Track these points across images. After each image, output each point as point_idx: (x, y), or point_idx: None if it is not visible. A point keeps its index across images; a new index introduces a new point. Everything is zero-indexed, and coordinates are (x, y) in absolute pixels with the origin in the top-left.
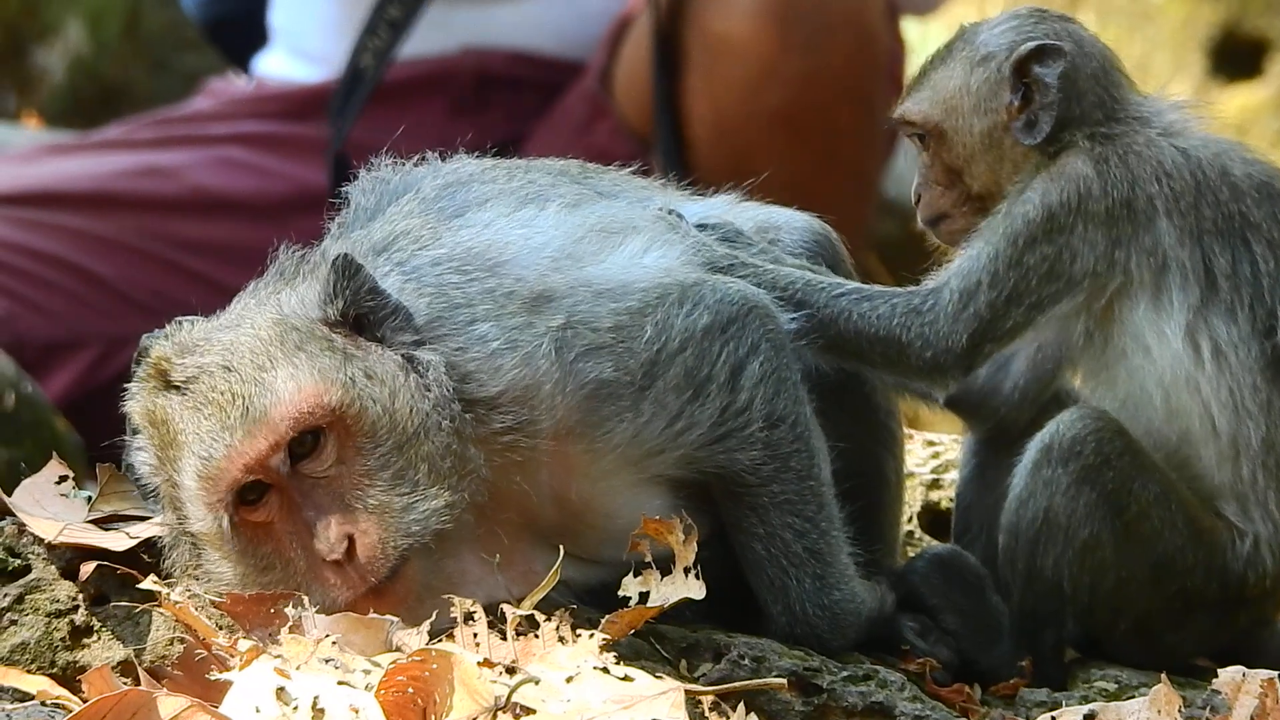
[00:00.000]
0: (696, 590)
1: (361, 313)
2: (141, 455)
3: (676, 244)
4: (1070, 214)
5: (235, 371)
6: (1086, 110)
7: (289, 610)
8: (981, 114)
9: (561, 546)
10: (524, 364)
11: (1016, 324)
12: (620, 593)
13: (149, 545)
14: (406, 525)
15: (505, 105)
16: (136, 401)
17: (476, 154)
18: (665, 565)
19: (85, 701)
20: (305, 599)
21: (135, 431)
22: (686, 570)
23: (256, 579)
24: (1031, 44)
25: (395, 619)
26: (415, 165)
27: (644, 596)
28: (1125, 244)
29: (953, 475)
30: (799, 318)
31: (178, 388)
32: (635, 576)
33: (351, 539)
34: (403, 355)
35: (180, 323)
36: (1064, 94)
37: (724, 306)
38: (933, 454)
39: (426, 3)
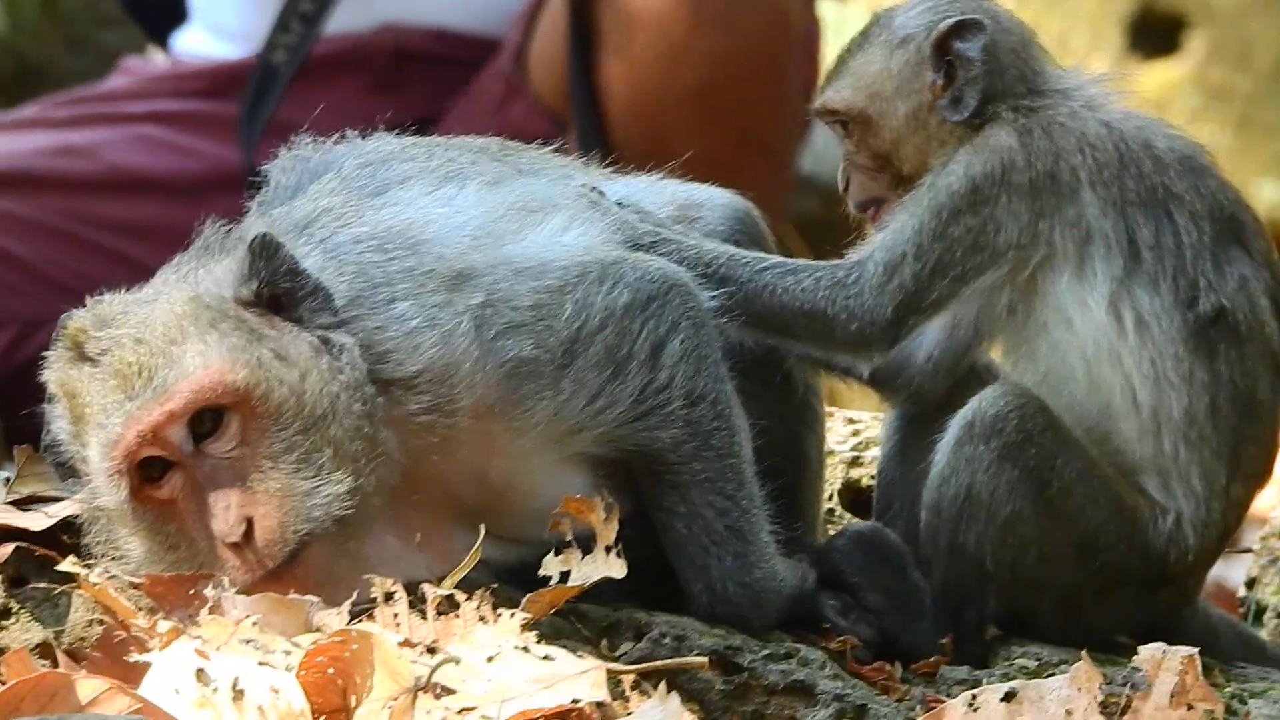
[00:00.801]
0: (618, 569)
1: (278, 293)
2: (59, 425)
3: (597, 222)
4: (994, 185)
5: (146, 344)
6: (1009, 84)
7: (209, 591)
8: (905, 96)
9: (482, 526)
10: (443, 342)
11: (941, 296)
12: (541, 572)
13: (68, 526)
14: (308, 510)
15: (424, 83)
16: (52, 372)
17: (395, 132)
18: (586, 544)
19: (3, 684)
20: (225, 580)
21: (52, 401)
22: (608, 549)
23: (163, 556)
24: (950, 20)
25: (316, 599)
26: (335, 143)
27: (565, 576)
28: (1049, 216)
29: (874, 453)
30: (721, 294)
31: (91, 359)
32: (556, 555)
33: (251, 521)
34: (318, 336)
35: (101, 296)
36: (987, 68)
37: (644, 284)
38: (853, 431)
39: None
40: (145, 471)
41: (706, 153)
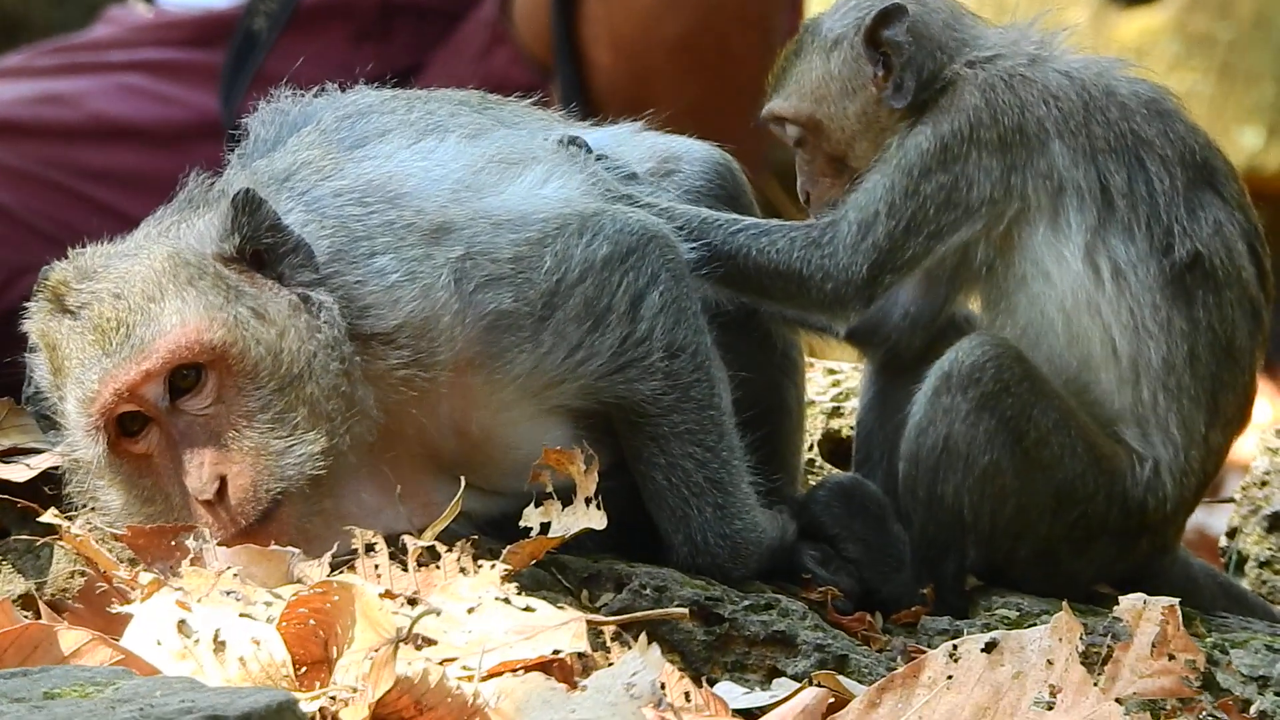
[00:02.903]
0: (598, 520)
1: (260, 249)
2: (40, 375)
3: (576, 174)
4: (963, 143)
5: (124, 299)
6: (950, 55)
7: (190, 543)
8: (852, 94)
9: (462, 478)
10: (422, 296)
11: (915, 254)
12: (522, 523)
13: (49, 478)
14: (282, 469)
15: (408, 33)
16: (34, 323)
17: (377, 83)
18: (567, 496)
19: None
20: (205, 532)
21: (34, 352)
22: (588, 500)
23: (140, 509)
24: (874, 11)
25: (296, 551)
26: (315, 96)
27: (545, 527)
28: (1020, 169)
29: (854, 403)
30: (698, 249)
31: (71, 312)
32: (536, 507)
33: (224, 479)
34: (298, 294)
35: (84, 248)
36: (919, 47)
37: (623, 236)
38: (833, 382)
39: None
40: (123, 426)
41: (689, 102)
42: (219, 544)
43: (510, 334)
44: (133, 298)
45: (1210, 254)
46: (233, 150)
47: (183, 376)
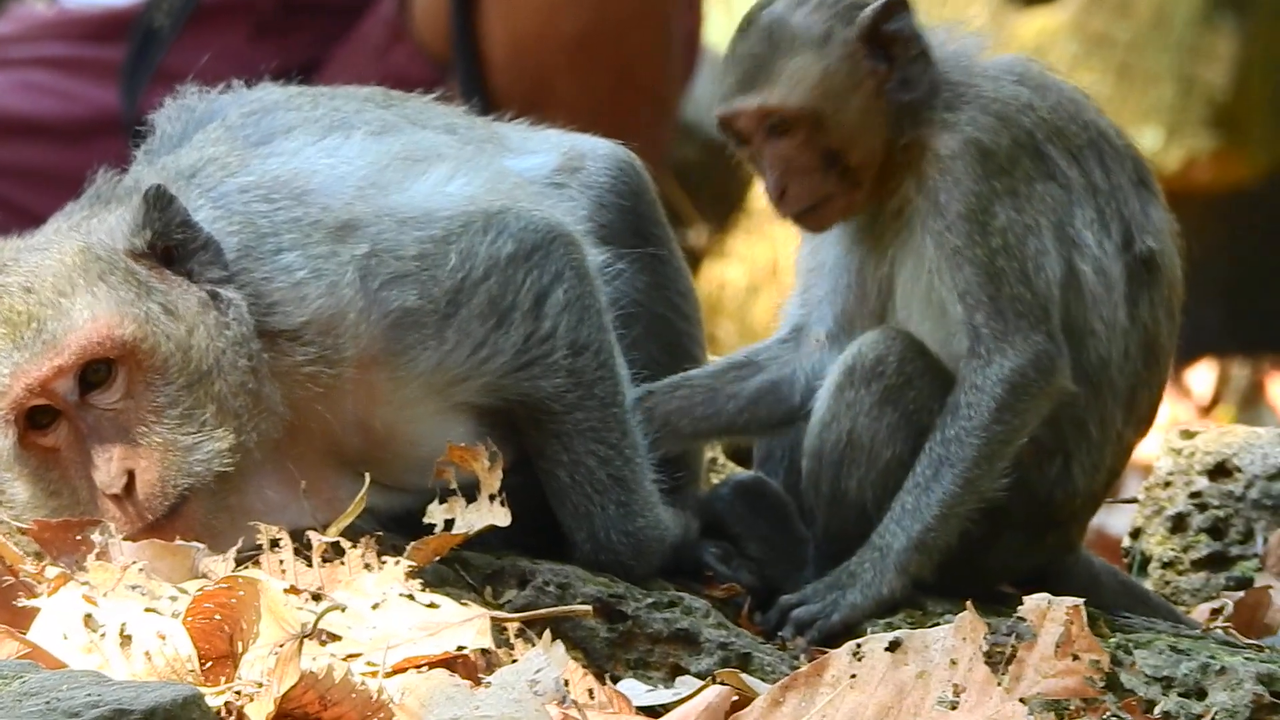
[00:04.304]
0: (502, 517)
1: (170, 245)
2: None
3: (481, 170)
4: (992, 178)
5: (35, 293)
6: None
7: (96, 537)
8: (855, 88)
9: (367, 475)
10: (328, 293)
11: (1046, 270)
12: (426, 519)
13: None
14: (189, 465)
15: (308, 29)
16: None
17: (281, 80)
18: (471, 493)
19: None
20: (112, 526)
21: None
22: (491, 497)
23: (45, 503)
24: (876, 7)
25: (202, 546)
26: (220, 92)
27: (449, 524)
28: (1043, 179)
29: None
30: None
31: None
32: (441, 504)
33: (132, 474)
34: (207, 291)
35: None
36: (923, 42)
37: (528, 234)
38: None
39: None
40: (32, 420)
41: (588, 100)
42: (125, 539)
43: (415, 331)
44: (44, 292)
45: (1159, 251)
46: (137, 146)
47: (93, 371)
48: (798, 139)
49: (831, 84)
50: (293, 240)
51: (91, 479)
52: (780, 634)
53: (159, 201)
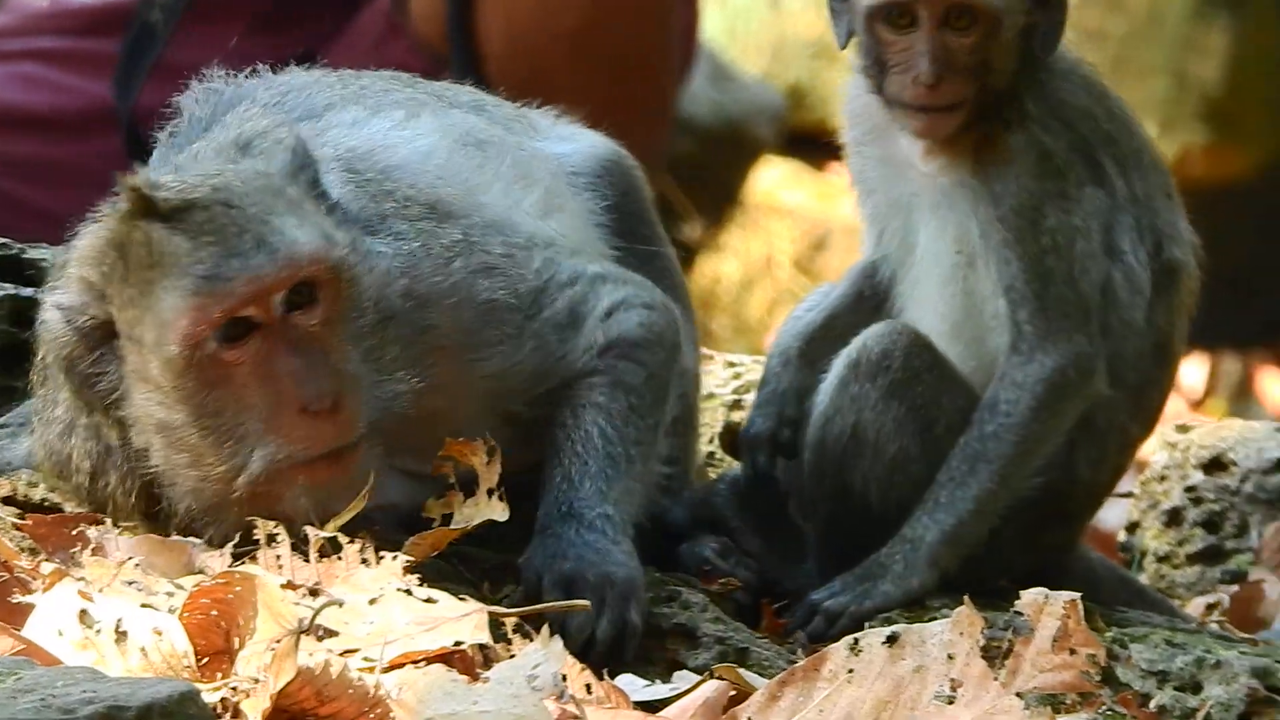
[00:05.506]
0: (500, 512)
1: (320, 194)
2: (71, 294)
3: (537, 184)
4: (1047, 178)
5: (240, 209)
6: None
7: (91, 533)
8: (1017, 13)
9: (372, 474)
10: (438, 268)
11: (1090, 273)
12: (424, 514)
13: None
14: (378, 399)
15: (303, 23)
16: (100, 228)
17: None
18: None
19: None
20: (109, 521)
21: (67, 270)
22: (490, 491)
23: (194, 423)
24: None
25: (198, 541)
26: (246, 77)
27: (447, 518)
28: (1093, 184)
29: (754, 396)
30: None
31: (166, 216)
32: (439, 499)
33: (335, 395)
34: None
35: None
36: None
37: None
38: (734, 374)
39: None
40: (228, 331)
41: (586, 94)
42: (304, 460)
43: (497, 328)
44: (248, 208)
45: (1183, 262)
46: (135, 140)
47: (298, 291)
48: (972, 36)
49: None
50: (394, 209)
51: (280, 396)
52: (808, 629)
53: (306, 152)
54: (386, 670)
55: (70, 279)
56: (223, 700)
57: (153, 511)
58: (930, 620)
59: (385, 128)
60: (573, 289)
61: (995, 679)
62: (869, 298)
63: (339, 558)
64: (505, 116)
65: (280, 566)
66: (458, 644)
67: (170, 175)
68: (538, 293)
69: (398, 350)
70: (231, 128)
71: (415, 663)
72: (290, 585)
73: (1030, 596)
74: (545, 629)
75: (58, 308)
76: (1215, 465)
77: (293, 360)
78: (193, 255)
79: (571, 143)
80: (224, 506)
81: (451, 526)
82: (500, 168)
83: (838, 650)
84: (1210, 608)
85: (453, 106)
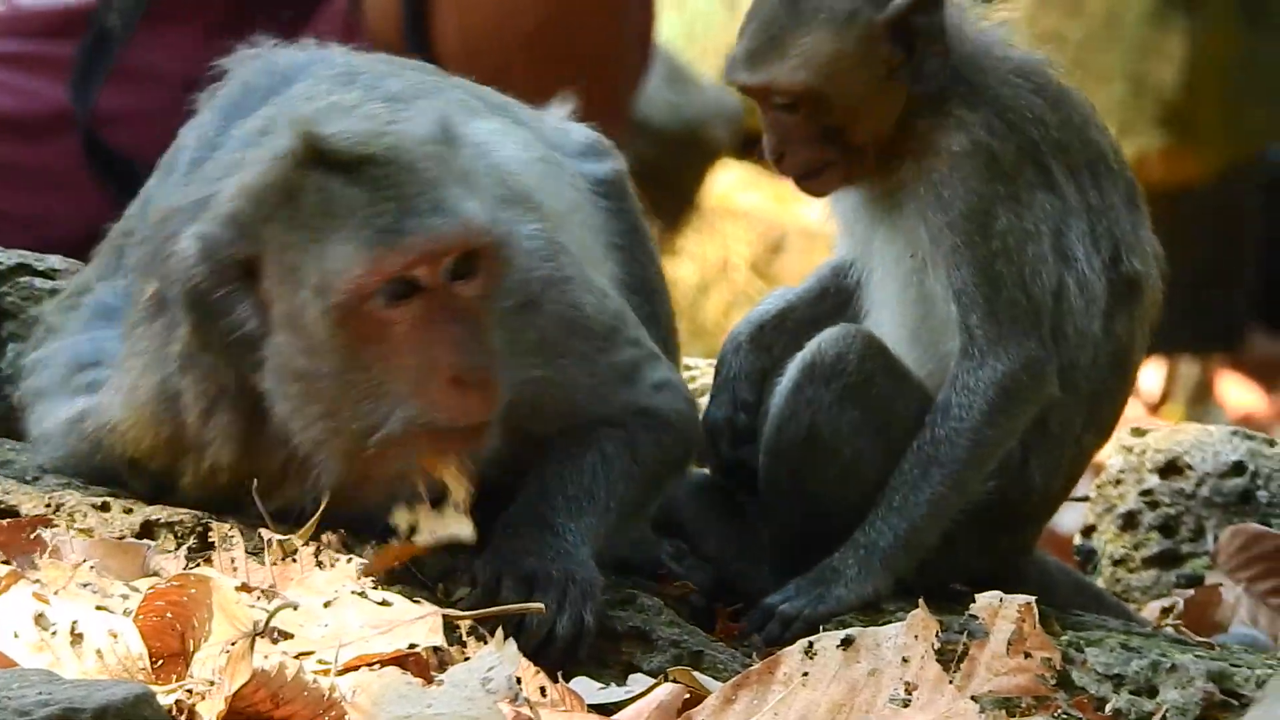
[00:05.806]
0: (466, 530)
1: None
2: (217, 227)
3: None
4: (996, 181)
5: (414, 170)
6: (961, 55)
7: (46, 535)
8: (863, 72)
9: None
10: (548, 258)
11: (1042, 277)
12: (391, 521)
13: None
14: (512, 380)
15: (261, 25)
16: (272, 171)
17: None
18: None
19: None
20: (63, 524)
21: (234, 211)
22: (457, 507)
23: (339, 375)
24: None
25: (152, 543)
26: (300, 50)
27: (412, 530)
28: (1044, 189)
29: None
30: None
31: (343, 165)
32: (407, 509)
33: (487, 369)
34: None
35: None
36: (946, 39)
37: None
38: (689, 378)
39: None
40: (392, 290)
41: (542, 96)
42: (443, 428)
43: (580, 340)
44: (422, 171)
45: (1144, 273)
46: (91, 143)
47: (464, 261)
48: (799, 114)
49: (841, 66)
50: (512, 200)
51: (429, 362)
52: (763, 633)
53: (451, 123)
54: (341, 673)
55: (217, 212)
56: (178, 702)
57: (249, 461)
58: (885, 623)
59: (478, 125)
60: (636, 349)
61: (950, 682)
62: (833, 295)
63: (294, 560)
64: (529, 118)
65: (235, 569)
66: (412, 647)
67: (336, 126)
68: (611, 332)
69: (534, 336)
70: (302, 100)
71: (370, 665)
72: (245, 588)
73: (985, 600)
74: (500, 631)
75: (199, 238)
76: (1171, 469)
77: (452, 328)
78: (371, 208)
79: (595, 160)
80: (347, 460)
81: (417, 542)
82: (559, 186)
83: (792, 653)
84: (1166, 611)
85: (493, 110)
